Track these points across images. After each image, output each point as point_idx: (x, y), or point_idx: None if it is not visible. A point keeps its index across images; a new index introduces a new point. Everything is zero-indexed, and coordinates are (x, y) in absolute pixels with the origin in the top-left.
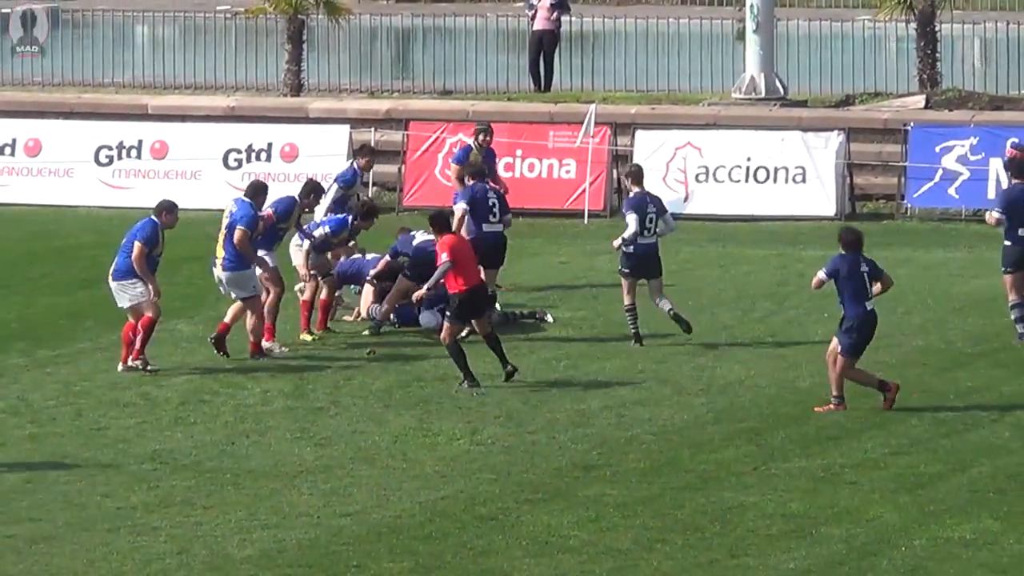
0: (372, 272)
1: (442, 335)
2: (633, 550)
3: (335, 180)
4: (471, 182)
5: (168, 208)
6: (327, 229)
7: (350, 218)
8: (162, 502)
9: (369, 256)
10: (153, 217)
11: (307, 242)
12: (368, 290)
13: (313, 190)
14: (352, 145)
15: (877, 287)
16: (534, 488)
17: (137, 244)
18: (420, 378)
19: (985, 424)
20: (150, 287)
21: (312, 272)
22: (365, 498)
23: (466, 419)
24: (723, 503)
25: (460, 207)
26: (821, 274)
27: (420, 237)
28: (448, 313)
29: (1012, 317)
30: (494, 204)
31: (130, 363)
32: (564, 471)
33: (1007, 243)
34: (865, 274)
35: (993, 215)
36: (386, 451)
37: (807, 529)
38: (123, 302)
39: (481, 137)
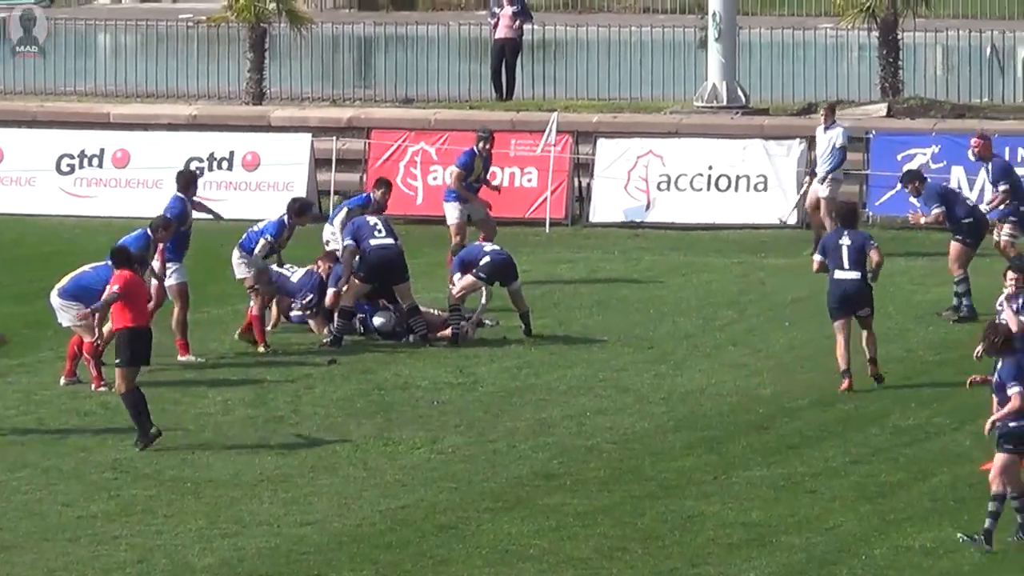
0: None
1: (116, 386)
2: (593, 559)
3: (345, 204)
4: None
5: (140, 260)
6: (268, 236)
7: (285, 218)
8: (123, 511)
9: (296, 277)
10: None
11: (256, 255)
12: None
13: (161, 226)
14: (314, 153)
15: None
16: (495, 497)
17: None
18: (380, 387)
19: (946, 432)
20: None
21: (256, 286)
22: (325, 507)
23: (426, 428)
24: (683, 512)
25: (346, 243)
26: (816, 256)
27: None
28: (118, 361)
29: (957, 290)
30: (376, 224)
31: (95, 388)
32: (525, 480)
33: (969, 219)
34: (845, 247)
35: (935, 212)
36: (346, 460)
37: (767, 538)
38: (64, 321)
39: (482, 144)
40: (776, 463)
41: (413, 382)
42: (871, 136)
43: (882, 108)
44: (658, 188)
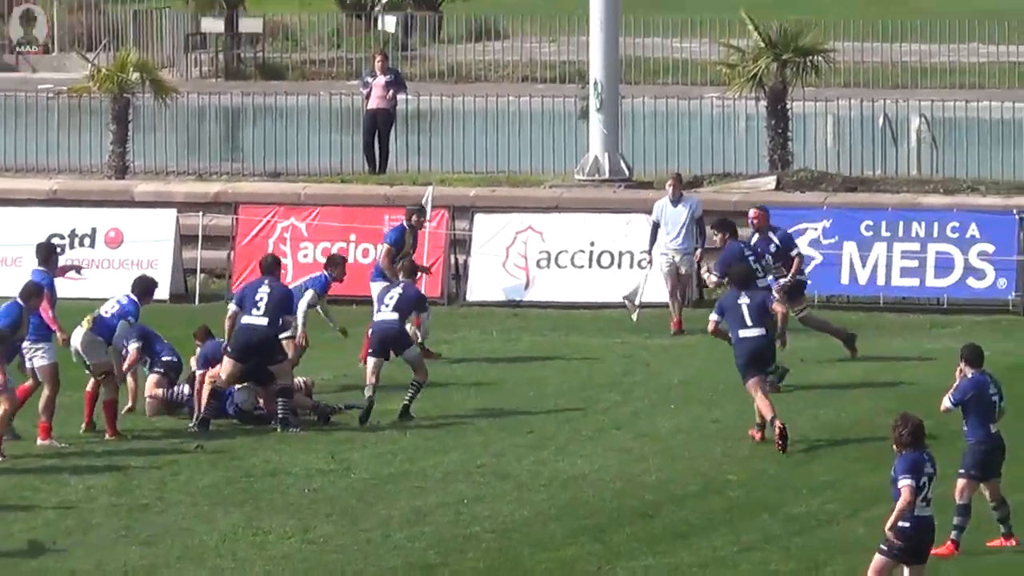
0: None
1: None
2: None
3: (308, 286)
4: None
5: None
6: (131, 319)
7: (136, 299)
8: None
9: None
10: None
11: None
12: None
13: (33, 293)
14: (179, 230)
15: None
16: None
17: None
18: (249, 473)
19: (839, 520)
20: None
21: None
22: None
23: (297, 516)
24: None
25: (230, 307)
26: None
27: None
28: None
29: None
30: (261, 299)
31: None
32: (399, 571)
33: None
34: (744, 306)
35: (713, 280)
36: (214, 550)
37: None
38: None
39: (415, 218)
40: (662, 552)
41: (283, 468)
42: None
43: (771, 181)
44: (538, 265)
